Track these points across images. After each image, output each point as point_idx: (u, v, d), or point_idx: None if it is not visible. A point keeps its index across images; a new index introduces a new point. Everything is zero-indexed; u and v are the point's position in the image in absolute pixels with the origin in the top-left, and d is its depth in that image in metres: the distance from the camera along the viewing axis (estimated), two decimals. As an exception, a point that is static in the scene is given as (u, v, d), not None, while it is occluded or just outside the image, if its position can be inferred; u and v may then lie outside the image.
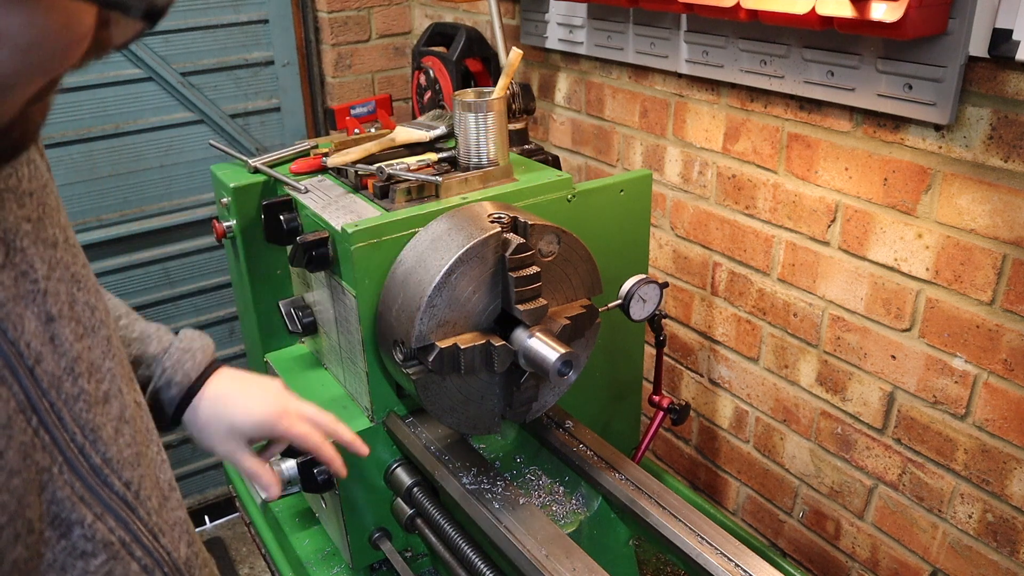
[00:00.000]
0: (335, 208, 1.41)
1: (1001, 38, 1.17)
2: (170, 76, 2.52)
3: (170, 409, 0.97)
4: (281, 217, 1.49)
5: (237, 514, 2.89)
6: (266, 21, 2.63)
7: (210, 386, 1.00)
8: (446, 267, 1.20)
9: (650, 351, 1.86)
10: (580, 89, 2.08)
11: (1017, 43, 1.15)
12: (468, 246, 1.21)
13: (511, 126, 1.85)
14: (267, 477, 1.04)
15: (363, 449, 1.14)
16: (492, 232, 1.23)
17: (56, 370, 0.62)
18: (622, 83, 1.94)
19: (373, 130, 1.72)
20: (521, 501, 1.25)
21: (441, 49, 2.31)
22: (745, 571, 1.11)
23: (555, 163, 1.84)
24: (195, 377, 0.98)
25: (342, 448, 1.39)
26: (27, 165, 0.65)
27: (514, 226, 1.27)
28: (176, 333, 1.03)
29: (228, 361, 1.18)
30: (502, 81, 1.46)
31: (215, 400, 0.99)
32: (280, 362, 1.67)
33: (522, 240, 1.22)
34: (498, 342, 1.22)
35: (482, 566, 1.26)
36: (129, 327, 0.99)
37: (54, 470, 0.61)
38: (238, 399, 1.01)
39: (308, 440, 1.06)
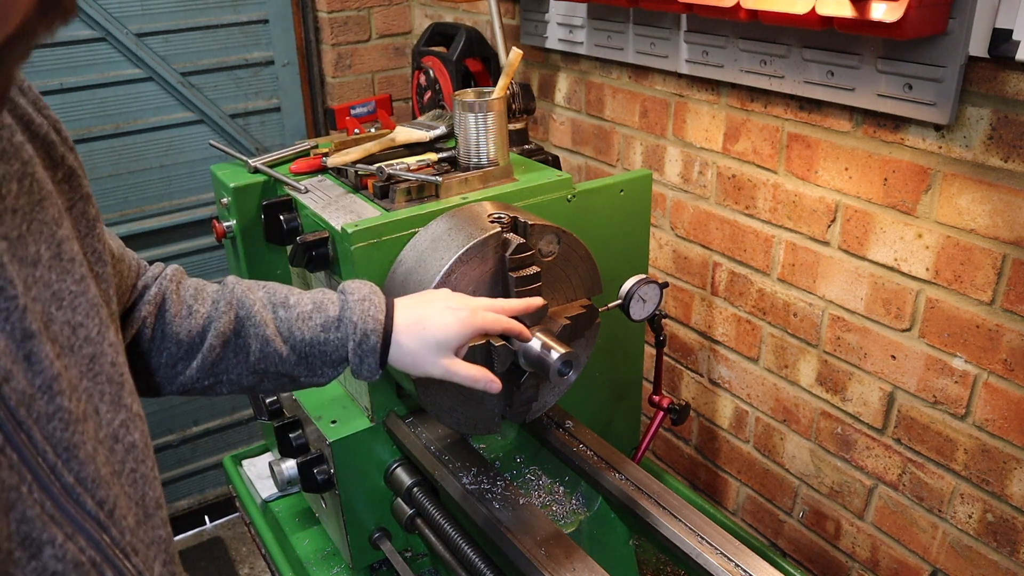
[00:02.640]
0: (335, 208, 1.41)
1: (1001, 38, 1.17)
2: (170, 76, 2.52)
3: (375, 357, 1.02)
4: (281, 217, 1.49)
5: (237, 514, 2.89)
6: (266, 21, 2.63)
7: (399, 320, 1.04)
8: (446, 267, 1.20)
9: (650, 351, 1.86)
10: (580, 89, 2.08)
11: (1017, 43, 1.15)
12: (468, 246, 1.21)
13: (511, 126, 1.85)
14: (487, 375, 1.08)
15: (536, 302, 1.17)
16: (492, 232, 1.23)
17: (29, 388, 0.61)
18: (622, 83, 1.94)
19: (373, 130, 1.72)
20: (521, 501, 1.26)
21: (441, 49, 2.31)
22: (745, 571, 1.11)
23: (555, 163, 1.84)
24: (383, 319, 1.03)
25: (345, 450, 1.40)
26: (17, 181, 0.65)
27: (514, 226, 1.27)
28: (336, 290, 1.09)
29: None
30: (502, 81, 1.46)
31: (411, 328, 1.04)
32: (280, 362, 1.66)
33: (522, 240, 1.22)
34: (498, 342, 1.22)
35: (482, 566, 1.26)
36: (300, 303, 1.03)
37: (23, 489, 0.60)
38: (432, 319, 1.05)
39: (500, 325, 1.11)
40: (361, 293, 1.05)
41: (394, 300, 1.07)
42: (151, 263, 1.07)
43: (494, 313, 1.11)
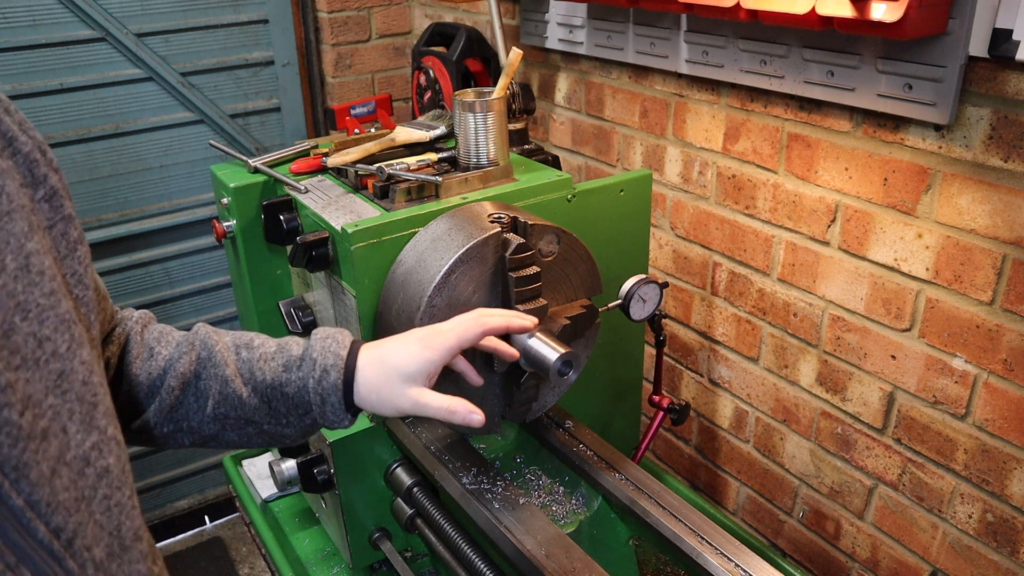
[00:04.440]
0: (335, 208, 1.41)
1: (1001, 38, 1.17)
2: (170, 76, 2.52)
3: (337, 395, 0.95)
4: (281, 217, 1.49)
5: (237, 514, 2.89)
6: (266, 21, 2.63)
7: (362, 357, 0.98)
8: (446, 267, 1.20)
9: (650, 351, 1.86)
10: (580, 89, 2.08)
11: (1017, 43, 1.15)
12: (468, 246, 1.21)
13: (511, 126, 1.85)
14: (464, 404, 0.98)
15: (527, 322, 1.10)
16: (492, 232, 1.23)
17: None
18: (622, 83, 1.94)
19: (373, 130, 1.72)
20: (521, 501, 1.25)
21: (441, 49, 2.31)
22: (745, 571, 1.11)
23: (555, 163, 1.84)
24: (346, 355, 0.97)
25: (345, 450, 1.40)
26: None
27: (514, 226, 1.27)
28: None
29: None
30: (502, 81, 1.46)
31: (375, 365, 0.97)
32: (280, 362, 1.66)
33: (522, 240, 1.22)
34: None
35: (482, 566, 1.26)
36: (264, 345, 0.99)
37: None
38: (395, 351, 0.99)
39: (472, 334, 1.02)
40: (326, 332, 1.00)
41: (363, 344, 1.01)
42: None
43: (468, 327, 1.02)
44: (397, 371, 0.97)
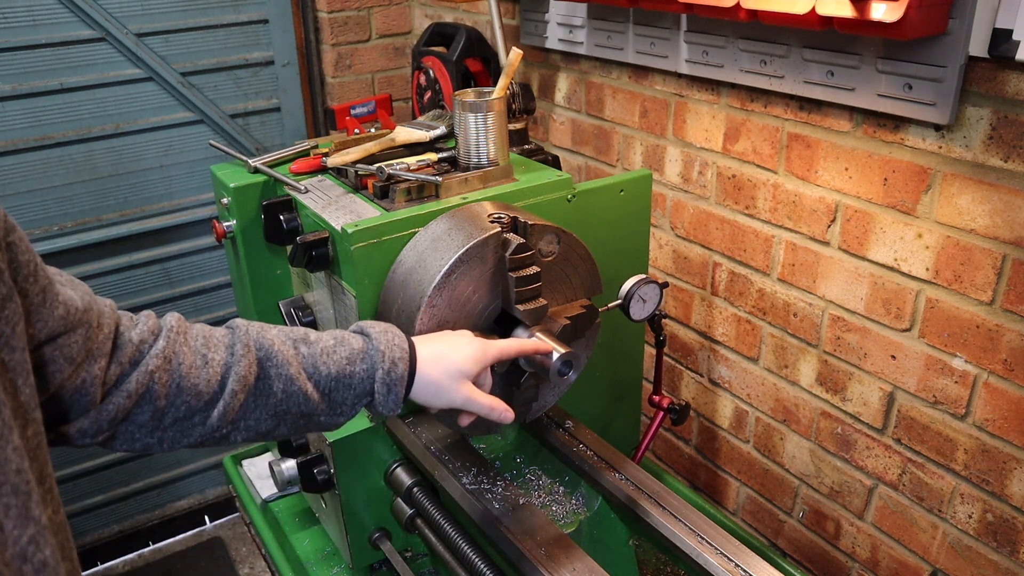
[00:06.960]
0: (335, 208, 1.41)
1: (1001, 38, 1.17)
2: (170, 76, 2.52)
3: (402, 386, 1.02)
4: (281, 217, 1.49)
5: (237, 514, 2.89)
6: (266, 21, 2.63)
7: (421, 351, 1.06)
8: (446, 267, 1.20)
9: (650, 351, 1.86)
10: (580, 89, 2.08)
11: (1017, 43, 1.15)
12: (468, 246, 1.21)
13: (511, 126, 1.85)
14: (503, 405, 1.09)
15: (546, 346, 1.20)
16: (492, 232, 1.23)
17: None
18: (622, 83, 1.94)
19: (373, 130, 1.72)
20: (521, 501, 1.26)
21: (441, 49, 2.31)
22: (745, 571, 1.11)
23: (555, 163, 1.84)
24: (408, 348, 1.04)
25: (345, 450, 1.40)
26: None
27: (514, 226, 1.27)
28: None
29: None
30: (502, 81, 1.46)
31: (434, 359, 1.06)
32: (280, 362, 1.66)
33: (522, 240, 1.22)
34: (498, 343, 1.22)
35: (482, 566, 1.26)
36: (321, 339, 1.02)
37: None
38: (452, 349, 1.08)
39: (516, 347, 1.15)
40: (381, 326, 1.05)
41: (413, 338, 1.08)
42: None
43: (507, 342, 1.14)
44: (457, 368, 1.06)
